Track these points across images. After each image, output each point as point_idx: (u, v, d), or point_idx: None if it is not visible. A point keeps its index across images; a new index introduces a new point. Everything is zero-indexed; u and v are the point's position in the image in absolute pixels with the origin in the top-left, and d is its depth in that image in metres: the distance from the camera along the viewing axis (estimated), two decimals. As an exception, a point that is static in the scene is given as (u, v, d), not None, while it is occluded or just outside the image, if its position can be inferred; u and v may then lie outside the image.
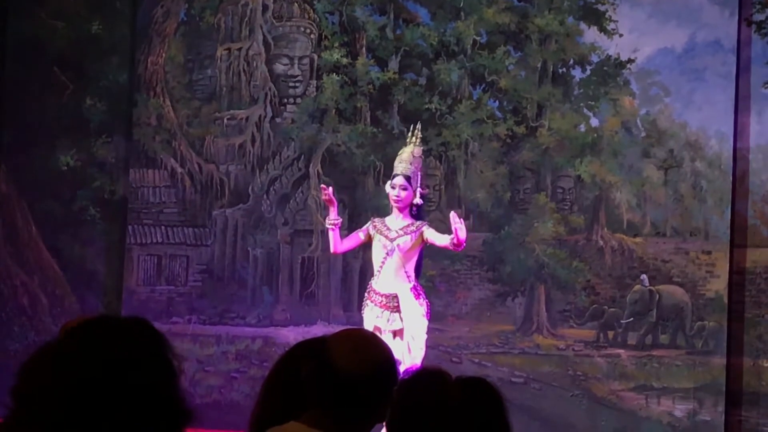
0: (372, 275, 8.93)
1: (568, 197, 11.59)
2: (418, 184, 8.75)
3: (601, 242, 11.42)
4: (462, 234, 8.28)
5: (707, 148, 11.29)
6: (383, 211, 9.13)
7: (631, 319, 11.29)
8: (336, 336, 3.08)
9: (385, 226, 8.83)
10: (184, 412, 2.41)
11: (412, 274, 8.79)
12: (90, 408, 2.29)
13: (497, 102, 11.74)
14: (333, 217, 8.76)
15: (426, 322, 8.74)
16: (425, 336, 8.72)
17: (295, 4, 12.16)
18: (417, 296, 8.75)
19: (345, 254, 11.54)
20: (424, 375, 3.88)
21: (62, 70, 12.25)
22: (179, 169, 12.18)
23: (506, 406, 4.18)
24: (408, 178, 8.77)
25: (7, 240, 12.24)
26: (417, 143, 8.97)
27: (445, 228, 8.66)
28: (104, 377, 2.31)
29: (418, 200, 8.73)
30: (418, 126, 9.17)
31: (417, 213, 8.83)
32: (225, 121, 12.19)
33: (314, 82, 12.05)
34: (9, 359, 11.40)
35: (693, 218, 11.29)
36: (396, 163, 8.94)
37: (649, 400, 11.16)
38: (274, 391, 3.33)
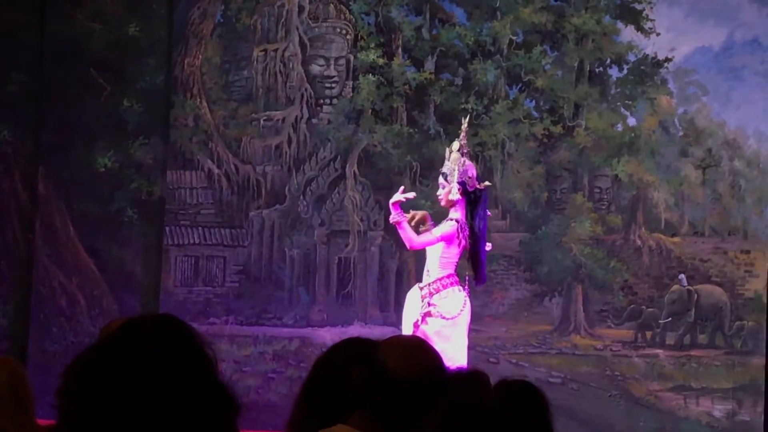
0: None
1: (605, 197, 11.55)
2: (458, 179, 8.28)
3: (638, 242, 11.37)
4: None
5: (746, 147, 11.24)
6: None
7: (669, 319, 11.24)
8: (388, 341, 3.08)
9: None
10: (229, 399, 2.43)
11: (433, 270, 8.35)
12: (136, 405, 2.31)
13: (534, 102, 11.72)
14: (396, 213, 8.21)
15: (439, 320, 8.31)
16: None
17: (331, 5, 12.17)
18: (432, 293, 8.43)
19: (381, 255, 11.57)
20: (461, 377, 3.88)
21: (99, 71, 12.29)
22: (216, 170, 12.21)
23: (550, 410, 4.16)
24: (446, 176, 8.36)
25: (45, 241, 12.30)
26: (459, 138, 8.52)
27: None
28: (140, 376, 2.33)
29: (454, 195, 8.27)
30: (464, 120, 8.74)
31: (469, 208, 8.31)
32: (261, 122, 12.22)
33: (350, 82, 12.06)
34: (48, 360, 11.46)
35: (731, 217, 11.24)
36: None
37: (687, 400, 11.11)
38: (317, 393, 3.32)
